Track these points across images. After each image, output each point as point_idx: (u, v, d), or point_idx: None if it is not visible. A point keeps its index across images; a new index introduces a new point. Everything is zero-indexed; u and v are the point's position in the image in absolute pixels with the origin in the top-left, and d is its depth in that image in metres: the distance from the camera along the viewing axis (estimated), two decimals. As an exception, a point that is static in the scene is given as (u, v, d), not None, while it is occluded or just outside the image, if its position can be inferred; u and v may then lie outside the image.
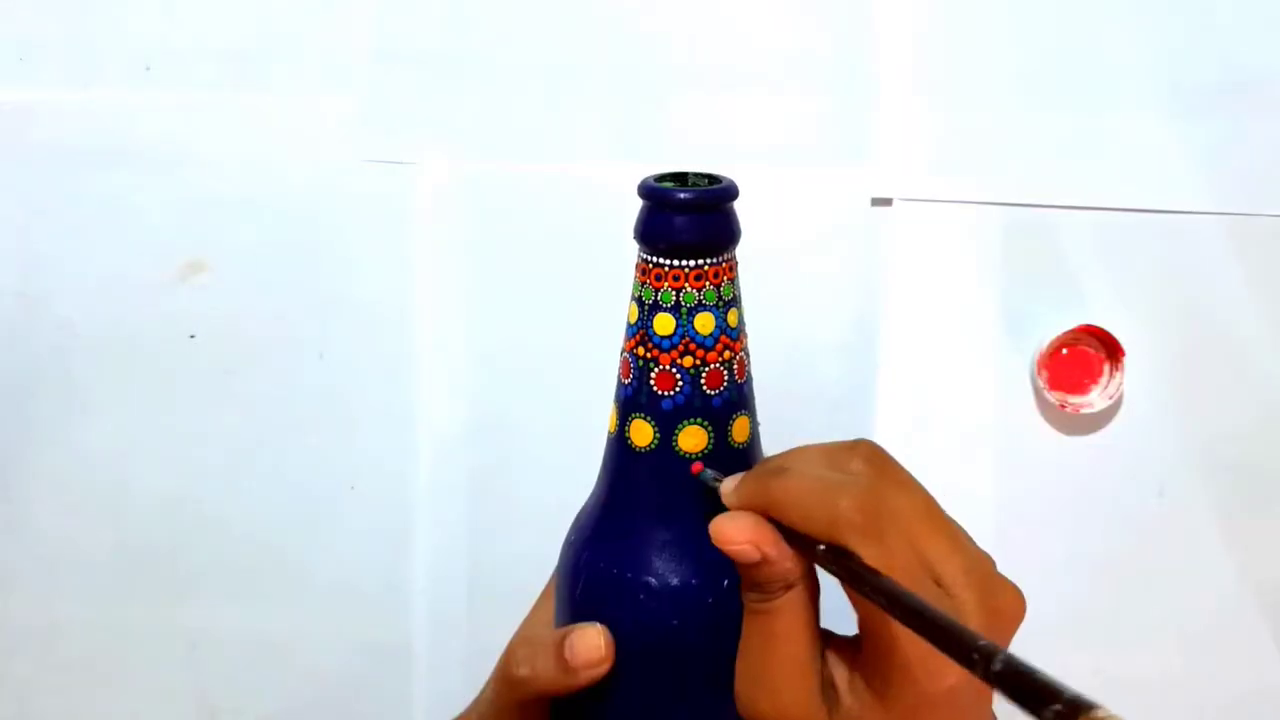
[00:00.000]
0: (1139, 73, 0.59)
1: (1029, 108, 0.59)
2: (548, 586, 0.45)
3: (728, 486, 0.36)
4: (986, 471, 0.61)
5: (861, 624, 0.34)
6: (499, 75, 0.60)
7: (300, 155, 0.60)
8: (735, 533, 0.34)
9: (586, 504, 0.42)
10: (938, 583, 0.32)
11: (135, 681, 0.64)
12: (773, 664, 0.34)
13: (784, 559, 0.34)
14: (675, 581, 0.38)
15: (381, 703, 0.64)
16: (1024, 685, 0.25)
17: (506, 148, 0.60)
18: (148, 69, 0.60)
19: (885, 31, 0.58)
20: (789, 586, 0.34)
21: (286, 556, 0.63)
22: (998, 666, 0.26)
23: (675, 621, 0.38)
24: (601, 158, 0.60)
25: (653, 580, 0.38)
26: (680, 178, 0.38)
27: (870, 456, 0.35)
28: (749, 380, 0.40)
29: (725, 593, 0.38)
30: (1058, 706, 0.23)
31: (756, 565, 0.34)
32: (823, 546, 0.33)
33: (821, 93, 0.59)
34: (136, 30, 0.60)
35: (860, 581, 0.31)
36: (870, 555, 0.32)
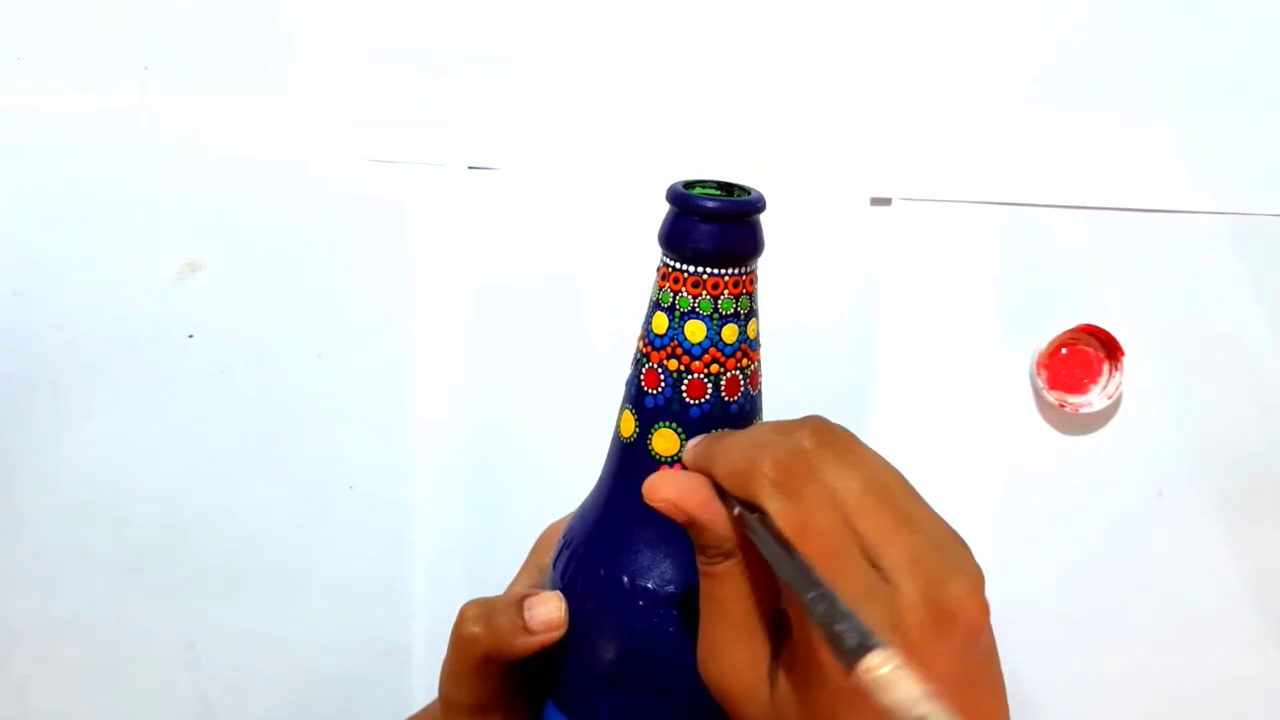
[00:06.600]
0: (1138, 72, 0.59)
1: (1028, 108, 0.59)
2: (526, 563, 0.45)
3: (687, 446, 0.37)
4: (985, 471, 0.60)
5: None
6: (499, 75, 0.60)
7: (300, 155, 0.60)
8: (665, 489, 0.34)
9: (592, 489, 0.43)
10: (875, 565, 0.30)
11: (135, 681, 0.64)
12: (717, 629, 0.34)
13: (716, 524, 0.33)
14: (624, 580, 0.38)
15: (381, 703, 0.64)
16: (828, 635, 0.24)
17: (506, 148, 0.60)
18: (146, 69, 0.60)
19: (885, 31, 0.58)
20: (727, 555, 0.33)
21: (286, 556, 0.63)
22: (817, 612, 0.25)
23: (611, 617, 0.38)
24: (600, 158, 0.60)
25: (602, 570, 0.39)
26: (728, 187, 0.38)
27: (817, 429, 0.33)
28: (744, 400, 0.38)
29: (664, 600, 0.38)
30: (848, 651, 0.23)
31: (692, 527, 0.34)
32: (739, 507, 0.32)
33: (821, 92, 0.59)
34: (136, 30, 0.60)
35: (758, 538, 0.30)
36: (778, 510, 0.30)
